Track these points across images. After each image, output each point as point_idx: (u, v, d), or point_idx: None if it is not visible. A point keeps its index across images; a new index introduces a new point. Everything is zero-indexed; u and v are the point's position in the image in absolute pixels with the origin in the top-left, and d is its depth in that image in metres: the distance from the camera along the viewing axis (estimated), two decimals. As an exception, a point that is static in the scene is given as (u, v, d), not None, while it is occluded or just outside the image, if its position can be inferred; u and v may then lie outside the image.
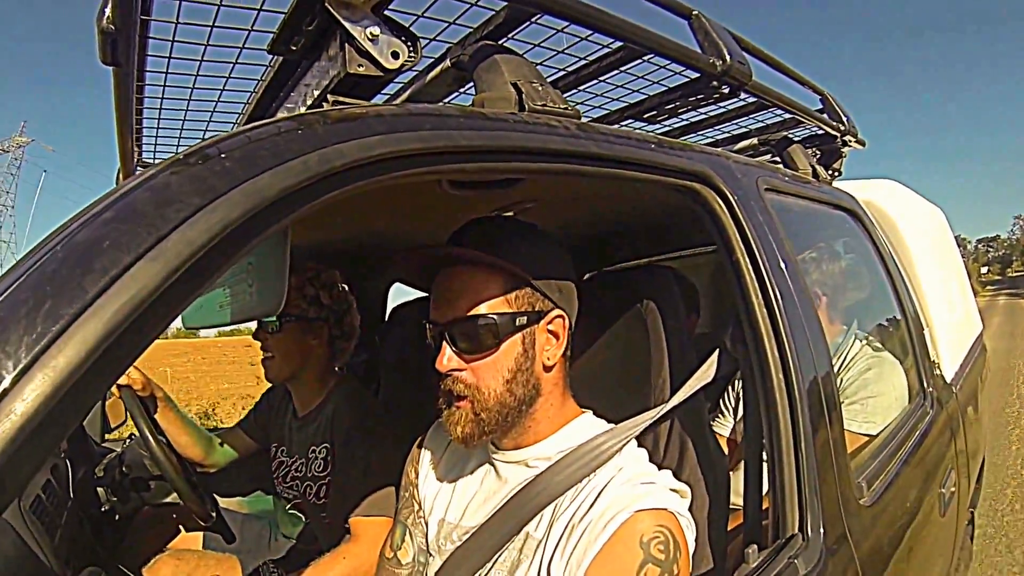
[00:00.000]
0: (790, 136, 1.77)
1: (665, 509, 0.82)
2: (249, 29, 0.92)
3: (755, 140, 1.78)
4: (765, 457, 0.98)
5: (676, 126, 1.66)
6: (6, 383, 0.38)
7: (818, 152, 1.93)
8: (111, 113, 1.17)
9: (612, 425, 0.97)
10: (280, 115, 1.10)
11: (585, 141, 0.82)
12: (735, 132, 1.80)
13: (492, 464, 0.99)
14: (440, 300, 0.92)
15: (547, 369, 0.93)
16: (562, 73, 1.25)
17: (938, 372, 1.78)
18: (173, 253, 0.44)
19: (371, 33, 0.75)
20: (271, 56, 0.96)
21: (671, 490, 0.86)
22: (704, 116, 1.60)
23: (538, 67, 1.12)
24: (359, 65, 0.75)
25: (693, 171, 0.99)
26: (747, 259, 0.99)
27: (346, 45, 0.76)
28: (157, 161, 1.59)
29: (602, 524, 0.82)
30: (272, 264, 0.77)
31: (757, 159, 1.57)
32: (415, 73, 1.14)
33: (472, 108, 0.78)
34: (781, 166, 1.68)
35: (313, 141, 0.56)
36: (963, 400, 1.93)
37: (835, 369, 1.54)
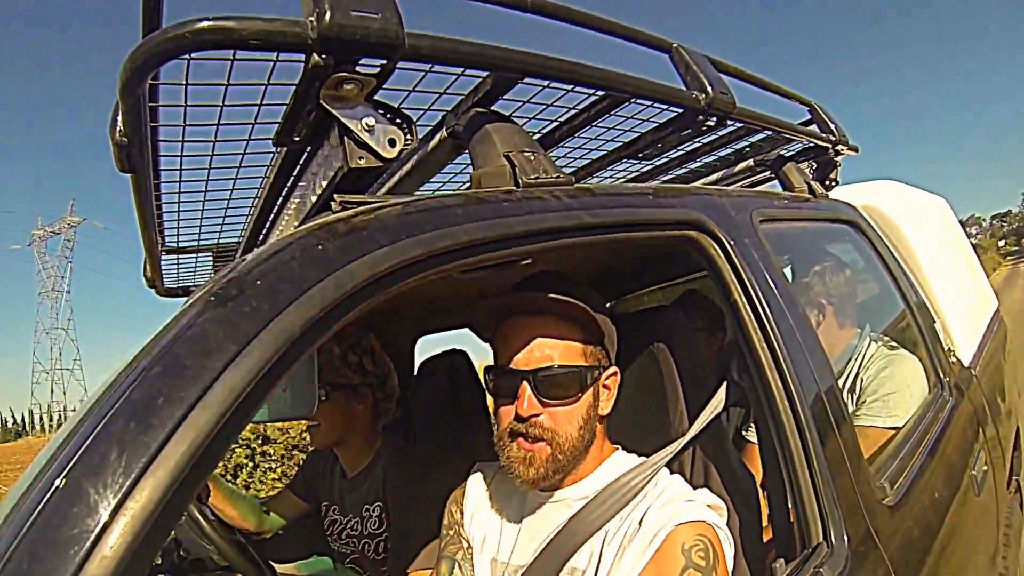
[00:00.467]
0: (784, 154, 1.79)
1: (704, 521, 0.90)
2: (253, 123, 0.98)
3: (751, 162, 1.81)
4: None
5: (673, 156, 1.70)
6: (97, 530, 0.44)
7: (814, 164, 1.97)
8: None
9: (641, 458, 1.04)
10: (292, 203, 1.17)
11: (579, 212, 0.85)
12: (731, 155, 1.83)
13: (536, 504, 1.04)
14: (523, 348, 0.98)
15: (600, 419, 1.03)
16: (555, 124, 1.29)
17: (954, 360, 1.78)
18: (219, 401, 0.49)
19: (367, 124, 0.80)
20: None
21: (708, 506, 0.93)
22: (699, 144, 1.64)
23: (531, 120, 1.20)
24: (360, 158, 0.80)
25: (687, 220, 1.03)
26: (743, 298, 1.03)
27: (345, 138, 0.81)
28: (182, 245, 1.68)
29: (648, 540, 0.89)
30: (302, 372, 0.82)
31: (754, 188, 1.61)
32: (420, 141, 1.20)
33: (470, 193, 0.82)
34: (779, 188, 1.72)
35: (326, 264, 0.61)
36: (985, 378, 1.93)
37: (855, 370, 1.62)
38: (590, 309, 0.97)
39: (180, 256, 1.76)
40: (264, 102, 0.91)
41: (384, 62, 0.77)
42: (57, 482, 0.46)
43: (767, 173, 1.87)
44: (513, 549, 1.05)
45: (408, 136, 0.84)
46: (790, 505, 0.98)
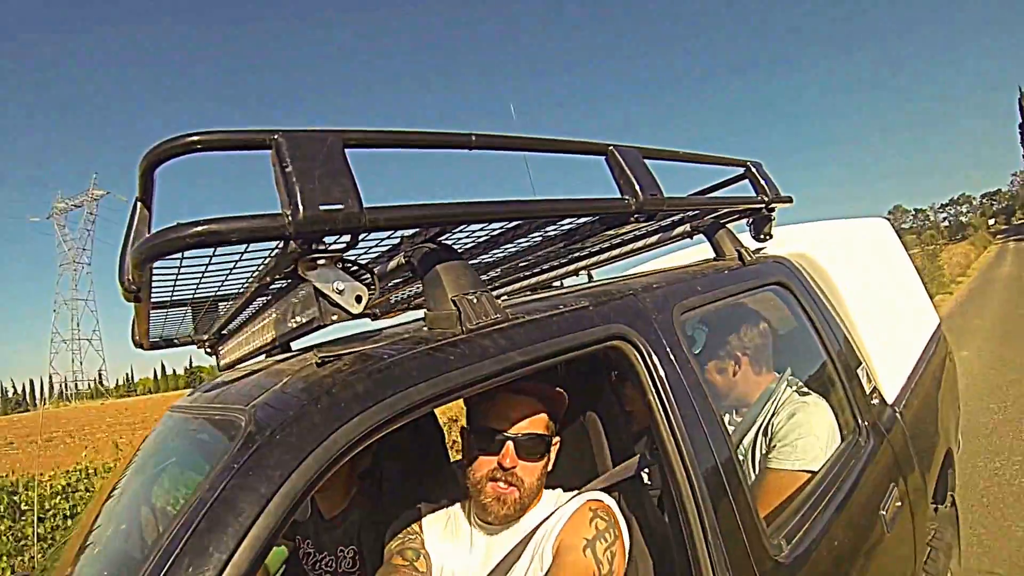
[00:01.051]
0: (717, 219, 1.99)
1: (601, 501, 1.37)
2: (229, 271, 1.14)
3: (688, 227, 1.99)
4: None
5: (612, 236, 1.88)
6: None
7: (751, 218, 2.15)
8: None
9: (572, 493, 1.45)
10: (270, 315, 1.33)
11: (512, 354, 1.09)
12: (665, 225, 2.02)
13: (487, 535, 1.42)
14: (508, 417, 1.38)
15: (547, 474, 1.44)
16: (500, 230, 1.47)
17: (877, 400, 2.04)
18: (250, 547, 0.74)
19: (337, 288, 0.98)
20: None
21: (602, 495, 1.40)
22: (643, 226, 1.82)
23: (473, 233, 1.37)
24: (332, 316, 0.98)
25: (610, 335, 1.28)
26: (655, 396, 1.28)
27: (319, 299, 0.98)
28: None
29: (566, 515, 1.33)
30: None
31: (681, 269, 1.81)
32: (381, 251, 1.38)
33: (423, 347, 1.04)
34: (712, 258, 1.92)
35: (317, 435, 0.84)
36: (911, 410, 2.20)
37: (769, 413, 1.87)
38: (557, 397, 1.44)
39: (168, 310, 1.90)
40: (242, 258, 1.08)
41: (348, 239, 0.93)
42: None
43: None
44: (467, 572, 1.40)
45: (372, 290, 1.02)
46: (689, 562, 1.23)
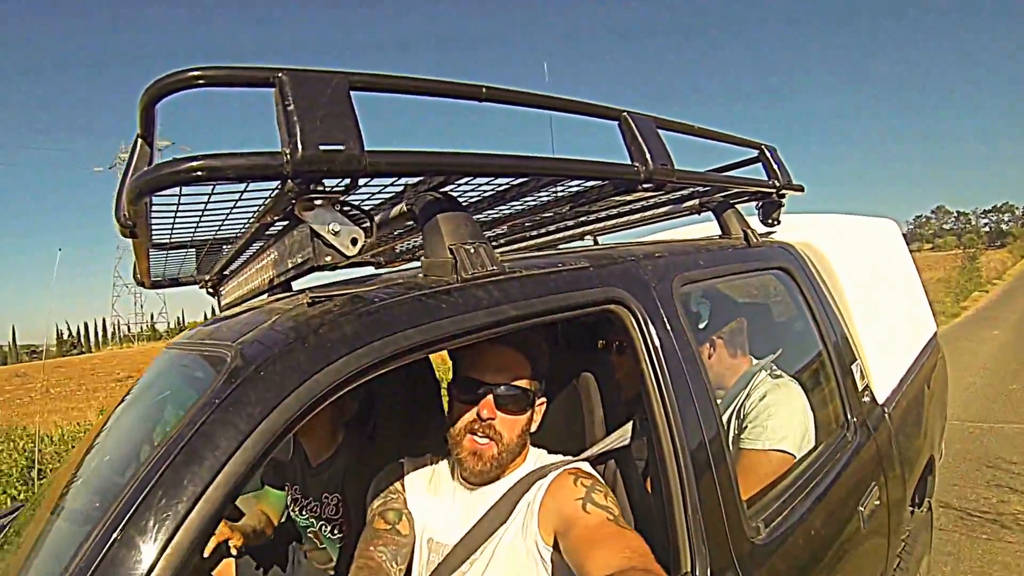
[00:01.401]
0: (728, 199, 1.96)
1: (578, 467, 1.33)
2: (229, 211, 1.14)
3: (698, 202, 1.97)
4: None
5: (622, 203, 1.86)
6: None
7: (761, 203, 2.13)
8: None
9: (557, 456, 1.41)
10: (270, 256, 1.32)
11: (505, 307, 1.08)
12: (680, 197, 1.99)
13: (468, 495, 1.37)
14: (489, 367, 1.33)
15: (529, 433, 1.39)
16: (504, 188, 1.45)
17: (868, 398, 2.03)
18: (225, 481, 0.74)
19: (333, 229, 0.97)
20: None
21: (581, 463, 1.35)
22: (651, 195, 1.80)
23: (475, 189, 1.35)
24: (326, 256, 0.98)
25: (606, 298, 1.26)
26: (648, 363, 1.27)
27: (314, 239, 0.97)
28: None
29: (546, 484, 1.29)
30: None
31: (685, 241, 1.79)
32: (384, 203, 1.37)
33: (416, 293, 1.02)
34: (718, 236, 1.90)
35: (300, 373, 0.84)
36: (899, 413, 2.19)
37: (741, 396, 1.87)
38: (542, 351, 1.39)
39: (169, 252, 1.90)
40: (240, 198, 1.07)
41: (347, 182, 0.92)
42: (115, 535, 0.70)
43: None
44: (448, 531, 1.36)
45: (368, 234, 1.00)
46: (668, 536, 1.23)
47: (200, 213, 1.30)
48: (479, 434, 1.30)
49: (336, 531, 1.87)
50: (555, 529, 1.22)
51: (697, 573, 1.18)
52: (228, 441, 0.75)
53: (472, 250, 1.11)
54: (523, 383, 1.33)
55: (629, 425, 1.44)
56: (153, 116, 0.95)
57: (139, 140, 1.01)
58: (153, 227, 1.34)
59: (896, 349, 2.43)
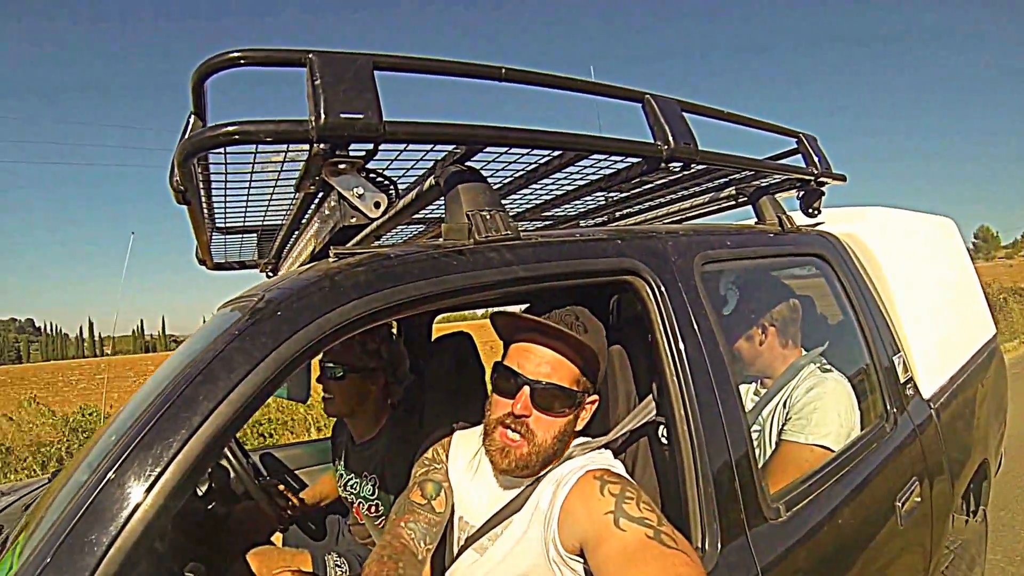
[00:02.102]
0: (764, 185, 1.95)
1: (601, 468, 1.19)
2: (278, 174, 1.25)
3: (733, 190, 1.97)
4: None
5: (653, 187, 1.87)
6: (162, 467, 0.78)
7: (800, 192, 2.10)
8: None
9: (585, 439, 1.33)
10: (312, 227, 1.43)
11: (515, 267, 1.13)
12: (718, 186, 2.00)
13: (504, 481, 1.30)
14: (531, 360, 1.23)
15: (574, 434, 1.29)
16: (530, 168, 1.51)
17: (911, 391, 1.96)
18: (237, 399, 0.83)
19: (357, 192, 1.06)
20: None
21: (603, 460, 1.23)
22: (678, 177, 1.82)
23: (511, 164, 1.41)
24: (351, 217, 1.07)
25: (622, 268, 1.28)
26: (664, 337, 1.28)
27: (341, 201, 1.06)
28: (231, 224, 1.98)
29: (569, 484, 1.17)
30: (300, 372, 1.12)
31: (715, 225, 1.79)
32: (417, 180, 1.45)
33: (430, 248, 1.09)
34: (753, 221, 1.89)
35: (313, 311, 0.92)
36: (948, 411, 2.10)
37: (789, 387, 1.83)
38: (595, 353, 1.23)
39: (227, 235, 2.06)
40: (283, 166, 1.17)
41: (370, 147, 1.01)
42: (134, 442, 0.79)
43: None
44: (476, 513, 1.33)
45: (391, 198, 1.08)
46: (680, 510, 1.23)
47: (246, 193, 1.43)
48: (511, 429, 1.21)
49: (373, 510, 1.95)
50: (581, 542, 1.10)
51: (707, 548, 1.18)
52: (242, 365, 0.84)
53: (488, 216, 1.16)
54: (567, 383, 1.22)
55: (647, 400, 1.38)
56: (203, 93, 1.06)
57: (191, 116, 1.12)
58: (205, 203, 1.47)
59: (946, 347, 2.33)
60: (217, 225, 1.95)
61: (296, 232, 1.80)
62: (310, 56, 0.97)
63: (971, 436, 2.32)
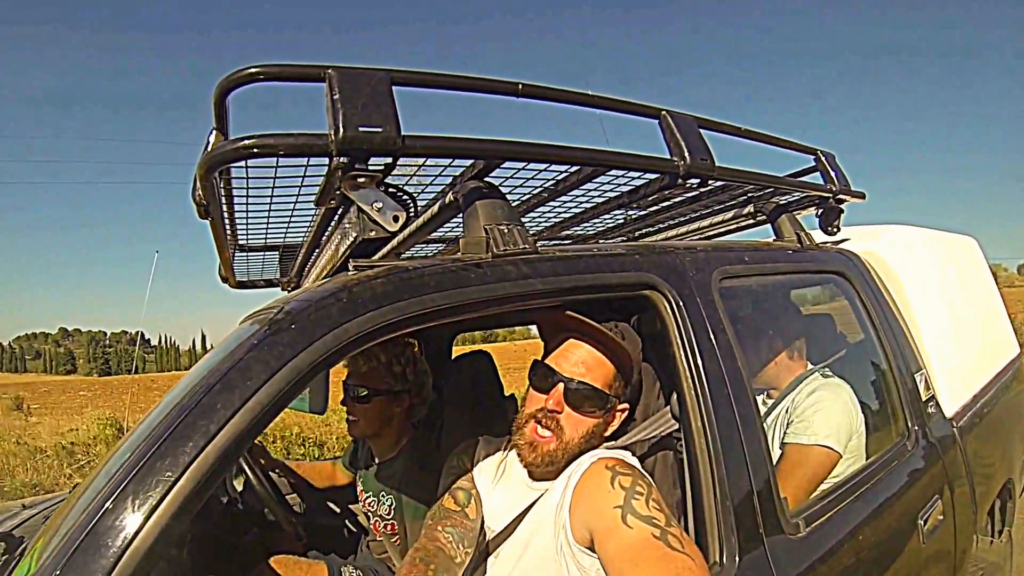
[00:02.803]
0: (783, 202, 1.94)
1: (613, 457, 1.19)
2: (298, 190, 1.26)
3: (752, 208, 1.96)
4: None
5: (672, 204, 1.87)
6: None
7: (820, 210, 2.08)
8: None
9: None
10: (333, 243, 1.44)
11: (532, 280, 1.12)
12: (737, 203, 1.99)
13: (526, 487, 1.31)
14: (568, 359, 1.27)
15: (603, 438, 1.31)
16: (549, 184, 1.51)
17: (932, 410, 1.92)
18: (254, 407, 0.83)
19: (376, 206, 1.06)
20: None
21: (614, 451, 1.24)
22: (696, 194, 1.81)
23: (530, 180, 1.42)
24: (371, 231, 1.07)
25: (640, 282, 1.28)
26: (682, 351, 1.27)
27: (360, 215, 1.07)
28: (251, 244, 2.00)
29: (576, 476, 1.18)
30: (318, 383, 1.12)
31: (733, 241, 1.78)
32: (433, 196, 1.46)
33: (448, 262, 1.09)
34: (772, 239, 1.88)
35: (330, 322, 0.92)
36: (971, 430, 2.06)
37: (793, 394, 1.83)
38: (631, 360, 1.28)
39: (249, 253, 2.07)
40: (304, 181, 1.18)
41: (389, 160, 1.01)
42: (151, 450, 0.79)
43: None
44: (499, 519, 1.33)
45: (409, 212, 1.08)
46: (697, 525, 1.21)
47: (268, 209, 1.44)
48: (543, 424, 1.24)
49: (387, 530, 1.94)
50: (589, 532, 1.11)
51: (724, 561, 1.16)
52: (259, 375, 0.84)
53: (505, 230, 1.16)
54: (600, 384, 1.25)
55: (662, 413, 1.37)
56: (225, 108, 1.08)
57: (214, 131, 1.14)
58: (228, 219, 1.49)
59: (969, 365, 2.28)
60: (240, 243, 1.97)
61: (317, 249, 1.82)
62: (329, 71, 0.99)
63: (994, 455, 2.26)
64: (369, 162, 1.02)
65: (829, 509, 1.42)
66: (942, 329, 2.13)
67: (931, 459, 1.79)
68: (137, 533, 0.74)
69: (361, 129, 0.96)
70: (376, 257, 1.31)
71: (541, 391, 1.27)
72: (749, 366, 1.84)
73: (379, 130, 0.98)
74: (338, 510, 2.48)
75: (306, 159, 1.03)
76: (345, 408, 1.96)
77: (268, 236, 1.77)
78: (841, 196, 1.99)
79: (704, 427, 1.22)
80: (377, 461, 2.03)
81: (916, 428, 1.80)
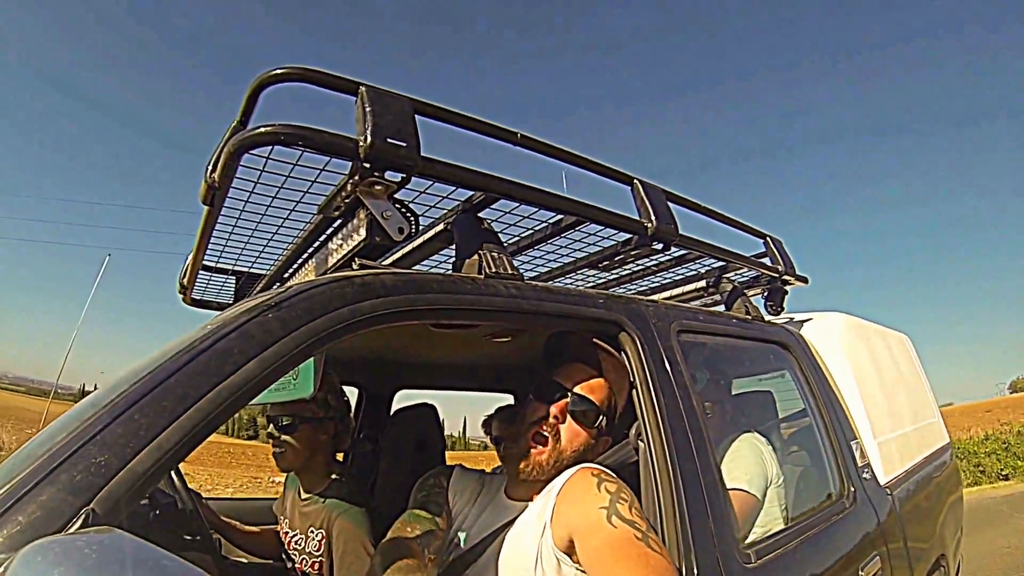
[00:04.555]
0: (733, 278, 2.15)
1: (596, 467, 1.24)
2: (304, 192, 1.35)
3: (704, 282, 2.16)
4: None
5: (634, 271, 2.06)
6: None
7: (766, 290, 2.30)
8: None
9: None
10: (314, 259, 1.51)
11: (519, 300, 1.24)
12: (689, 277, 2.20)
13: (501, 506, 1.38)
14: (572, 377, 1.38)
15: (589, 457, 1.35)
16: (529, 233, 1.66)
17: (867, 476, 2.06)
18: (242, 379, 0.86)
19: (386, 215, 1.16)
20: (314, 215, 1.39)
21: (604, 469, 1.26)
22: (656, 263, 2.00)
23: (510, 227, 1.56)
24: (377, 237, 1.16)
25: (610, 320, 1.41)
26: (646, 387, 1.38)
27: (370, 221, 1.16)
28: (219, 265, 2.02)
29: (559, 484, 1.22)
30: (308, 366, 1.17)
31: (690, 303, 1.95)
32: (425, 228, 1.57)
33: (447, 274, 1.19)
34: (723, 307, 2.07)
35: (344, 300, 1.00)
36: (904, 496, 2.24)
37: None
38: (622, 385, 1.41)
39: (212, 274, 2.10)
40: (316, 182, 1.27)
41: (404, 175, 1.13)
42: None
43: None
44: (473, 531, 1.39)
45: (413, 226, 1.19)
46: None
47: (262, 213, 1.50)
48: (543, 431, 1.33)
49: (318, 568, 1.88)
50: (571, 533, 1.13)
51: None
52: (277, 331, 0.91)
53: (496, 256, 1.29)
54: (596, 400, 1.36)
55: (625, 442, 1.46)
56: (255, 102, 1.16)
57: (237, 123, 1.19)
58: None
59: (902, 444, 2.47)
60: (204, 264, 2.00)
61: (293, 265, 1.86)
62: (362, 87, 1.11)
63: (928, 529, 2.41)
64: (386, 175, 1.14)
65: (778, 546, 1.51)
66: (875, 406, 2.30)
67: (868, 518, 1.91)
68: (131, 459, 0.75)
69: (389, 141, 1.08)
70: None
71: (545, 400, 1.36)
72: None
73: (403, 145, 1.10)
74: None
75: (329, 157, 1.12)
76: (271, 443, 1.96)
77: (245, 248, 1.81)
78: (787, 278, 2.22)
79: (664, 454, 1.30)
80: (302, 497, 2.00)
81: (852, 488, 1.92)
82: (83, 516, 0.69)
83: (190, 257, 1.80)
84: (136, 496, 0.74)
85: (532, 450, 1.32)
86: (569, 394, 1.35)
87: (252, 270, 2.15)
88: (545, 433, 1.33)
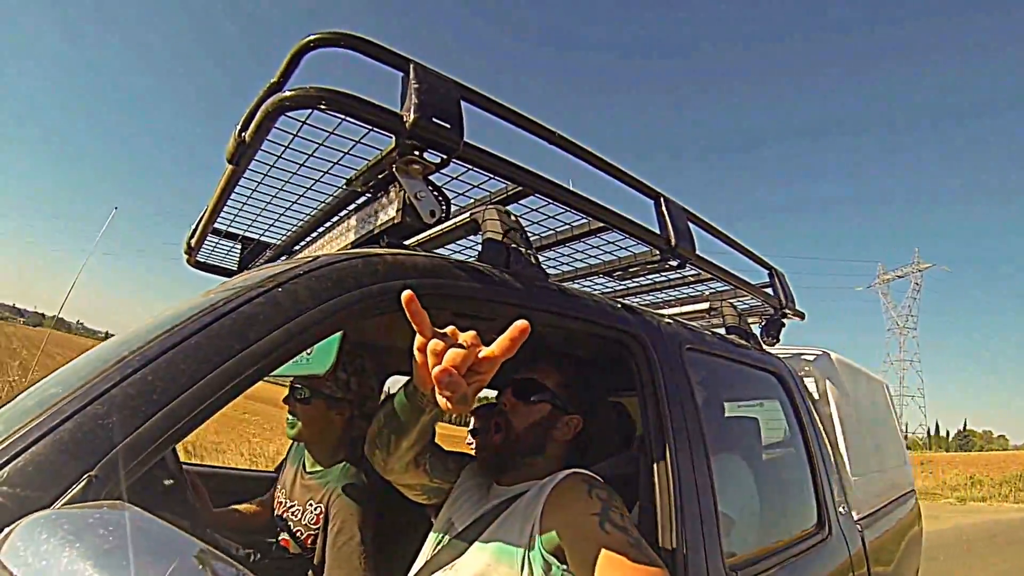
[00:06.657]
0: (735, 305, 2.13)
1: (589, 474, 1.20)
2: (328, 168, 1.29)
3: (708, 304, 2.15)
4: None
5: (643, 284, 2.04)
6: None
7: (764, 319, 2.30)
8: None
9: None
10: (336, 230, 1.46)
11: (547, 298, 1.21)
12: (695, 296, 2.19)
13: (490, 495, 1.33)
14: (518, 369, 1.37)
15: (556, 442, 1.33)
16: (552, 233, 1.63)
17: (843, 510, 2.06)
18: (270, 345, 0.82)
19: (419, 195, 1.11)
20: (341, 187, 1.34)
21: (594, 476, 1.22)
22: (666, 279, 1.99)
23: (534, 224, 1.52)
24: (408, 217, 1.11)
25: (625, 328, 1.37)
26: (653, 397, 1.35)
27: (403, 200, 1.12)
28: (230, 230, 1.95)
29: (548, 487, 1.18)
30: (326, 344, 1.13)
31: (696, 323, 1.94)
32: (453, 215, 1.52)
33: (472, 263, 1.15)
34: (723, 331, 2.05)
35: (377, 276, 0.96)
36: (872, 534, 2.25)
37: None
38: (574, 372, 1.39)
39: (219, 239, 2.02)
40: (347, 153, 1.22)
41: (444, 156, 1.08)
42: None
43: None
44: (457, 517, 1.33)
45: (444, 211, 1.15)
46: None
47: (285, 180, 1.44)
48: (497, 425, 1.33)
49: (309, 542, 1.84)
50: (561, 538, 1.09)
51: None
52: (307, 300, 0.87)
53: (521, 250, 1.26)
54: (539, 377, 1.34)
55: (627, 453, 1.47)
56: (296, 65, 1.07)
57: (274, 83, 1.11)
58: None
59: (874, 485, 2.48)
60: (215, 227, 1.92)
61: (307, 237, 1.80)
62: (412, 63, 1.06)
63: (893, 563, 2.43)
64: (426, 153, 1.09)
65: (763, 568, 1.51)
66: (854, 446, 2.32)
67: (841, 548, 1.92)
68: (135, 429, 0.69)
69: (434, 120, 1.03)
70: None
71: (497, 398, 1.39)
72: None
73: (447, 127, 1.05)
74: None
75: (370, 129, 1.07)
76: (288, 408, 1.90)
77: (260, 215, 1.74)
78: (787, 310, 2.22)
79: (667, 468, 1.28)
80: (308, 470, 1.94)
81: (829, 519, 1.93)
82: (84, 481, 0.63)
83: (203, 217, 1.72)
84: (142, 464, 0.68)
85: (488, 438, 1.33)
86: (513, 383, 1.36)
87: (264, 238, 2.06)
88: (498, 423, 1.33)
